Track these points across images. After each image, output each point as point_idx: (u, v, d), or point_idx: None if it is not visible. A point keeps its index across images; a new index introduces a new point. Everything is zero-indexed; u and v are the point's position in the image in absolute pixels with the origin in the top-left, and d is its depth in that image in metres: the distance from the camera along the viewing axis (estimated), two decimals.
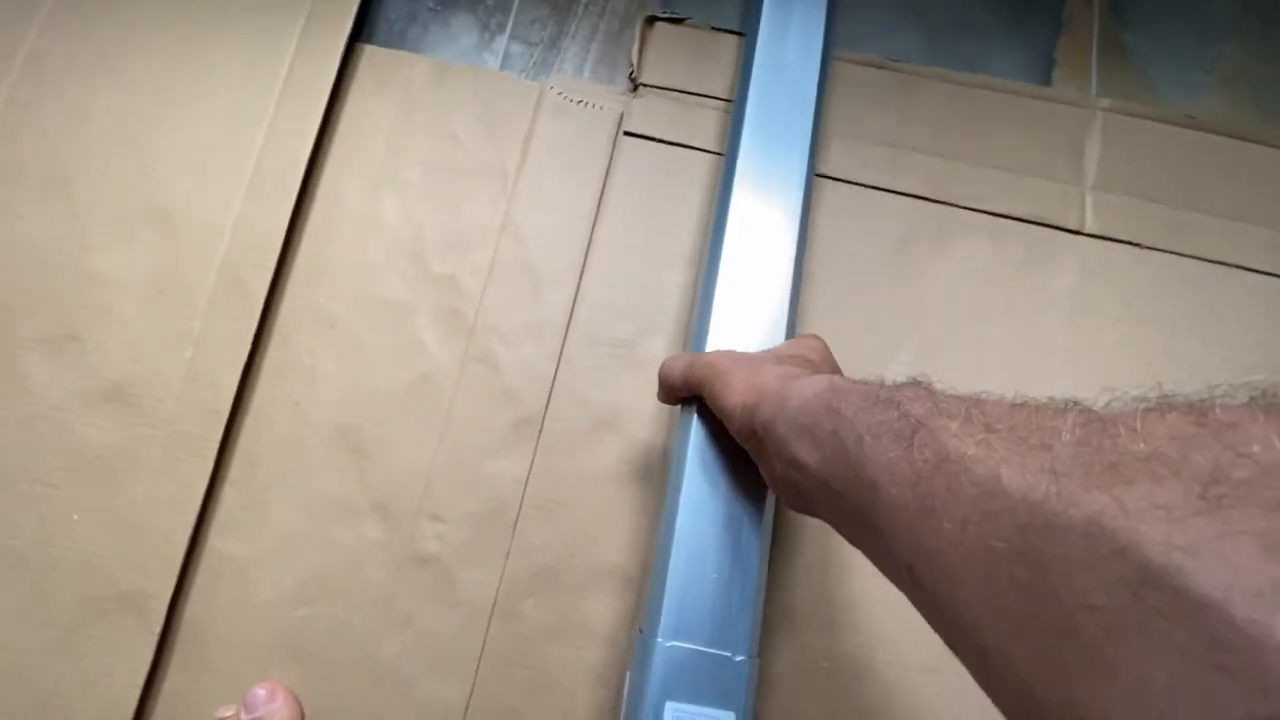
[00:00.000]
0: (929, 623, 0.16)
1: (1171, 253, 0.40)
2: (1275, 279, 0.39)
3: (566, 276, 0.38)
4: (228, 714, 0.31)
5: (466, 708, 0.33)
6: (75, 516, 0.34)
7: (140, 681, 0.32)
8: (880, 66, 0.42)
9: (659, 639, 0.26)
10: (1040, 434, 0.14)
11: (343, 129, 0.40)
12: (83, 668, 0.32)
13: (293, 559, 0.34)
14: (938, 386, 0.18)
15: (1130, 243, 0.40)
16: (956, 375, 0.37)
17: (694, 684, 0.25)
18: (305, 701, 0.32)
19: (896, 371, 0.37)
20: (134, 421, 0.35)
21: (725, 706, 0.25)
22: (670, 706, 0.24)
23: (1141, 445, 0.12)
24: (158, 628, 0.33)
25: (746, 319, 0.32)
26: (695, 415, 0.30)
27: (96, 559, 0.33)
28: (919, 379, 0.19)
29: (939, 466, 0.15)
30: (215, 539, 0.34)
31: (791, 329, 0.33)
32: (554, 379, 0.37)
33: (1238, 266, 0.39)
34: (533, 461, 0.36)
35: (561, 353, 0.37)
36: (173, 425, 0.35)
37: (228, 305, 0.36)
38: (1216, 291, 0.39)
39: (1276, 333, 0.39)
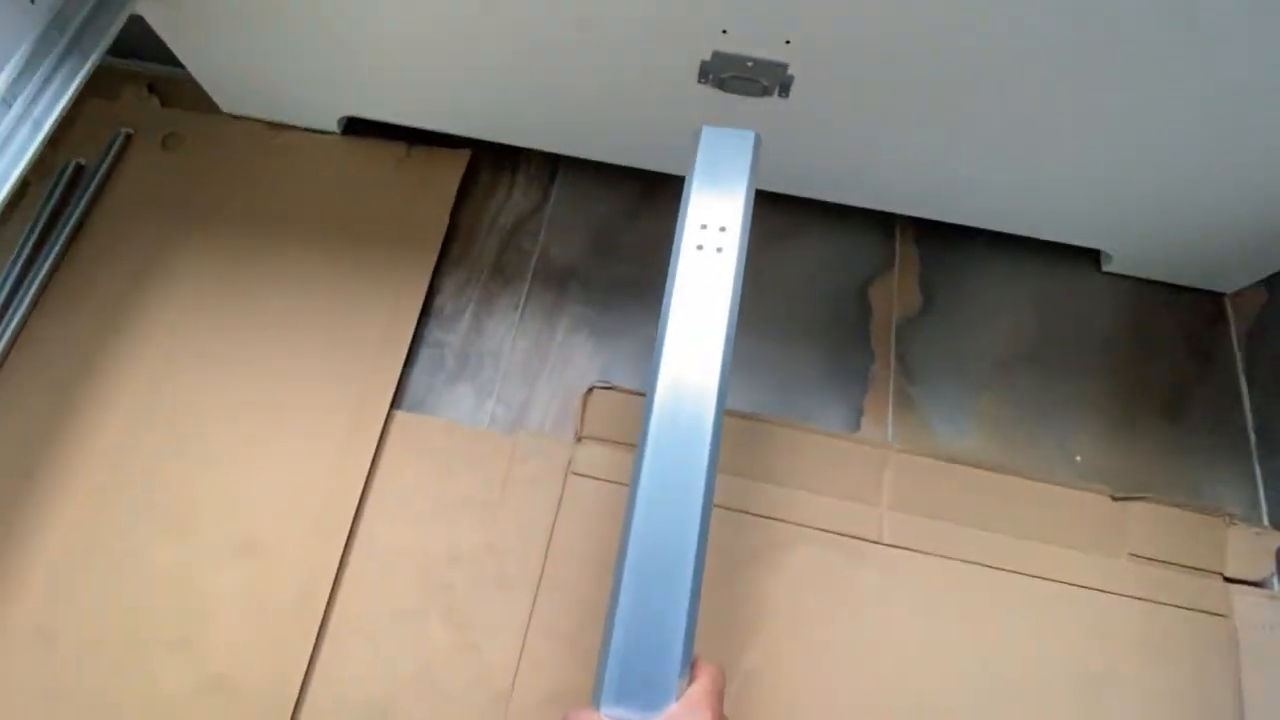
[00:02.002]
0: None
1: (947, 557, 0.58)
2: (1026, 577, 0.57)
3: (529, 582, 0.56)
4: None
5: None
6: None
7: None
8: (744, 417, 0.62)
9: None
10: None
11: (379, 476, 0.59)
12: None
13: None
14: None
15: (916, 550, 0.58)
16: (797, 667, 0.53)
17: None
18: None
19: (751, 663, 0.53)
20: (229, 706, 0.51)
21: None
22: None
23: None
24: None
25: (649, 635, 0.36)
26: None
27: None
28: None
29: None
30: None
31: (690, 640, 0.36)
32: (518, 664, 0.53)
33: (996, 568, 0.57)
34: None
35: (524, 643, 0.54)
36: (256, 708, 0.51)
37: (298, 616, 0.54)
38: (983, 588, 0.57)
39: (1030, 619, 0.56)
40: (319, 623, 0.53)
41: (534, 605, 0.55)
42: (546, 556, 0.57)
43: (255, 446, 0.59)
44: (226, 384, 0.61)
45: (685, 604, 0.37)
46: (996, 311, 0.68)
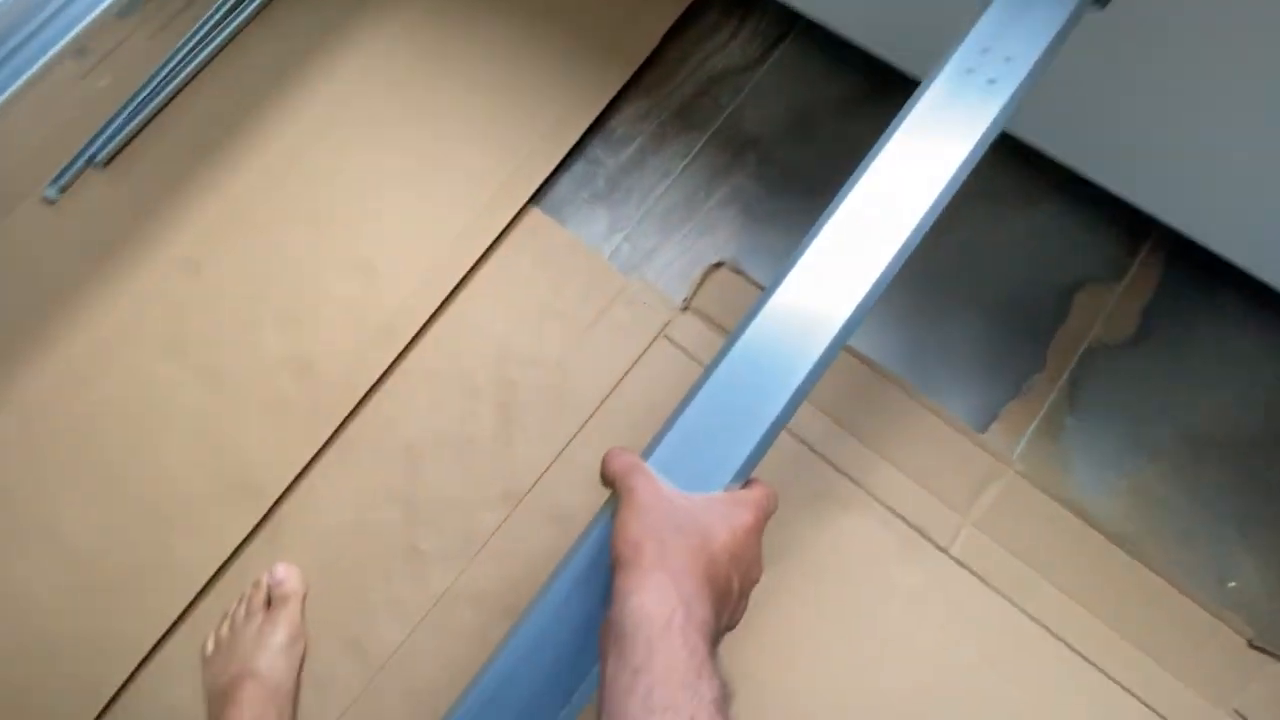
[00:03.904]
0: None
1: (1017, 607, 0.50)
2: (1101, 674, 0.48)
3: (584, 410, 0.55)
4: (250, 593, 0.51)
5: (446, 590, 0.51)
6: (252, 435, 0.56)
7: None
8: (860, 360, 0.55)
9: None
10: None
11: (496, 255, 0.60)
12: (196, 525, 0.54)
13: (340, 548, 0.54)
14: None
15: (983, 580, 0.50)
16: (799, 628, 0.49)
17: None
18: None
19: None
20: (300, 385, 0.57)
21: None
22: None
23: None
24: (257, 516, 0.54)
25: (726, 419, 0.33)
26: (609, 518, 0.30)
27: (236, 451, 0.55)
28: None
29: None
30: (300, 494, 0.55)
31: (761, 450, 0.33)
32: (540, 476, 0.54)
33: (1070, 647, 0.48)
34: (508, 517, 0.53)
35: (554, 461, 0.54)
36: (326, 399, 0.56)
37: (384, 340, 0.57)
38: (1044, 661, 0.48)
39: (1072, 707, 0.48)
40: (397, 353, 0.57)
41: (575, 435, 0.55)
42: (605, 400, 0.56)
43: (402, 186, 0.62)
44: (400, 119, 0.63)
45: (777, 410, 0.33)
46: (1221, 381, 0.54)
